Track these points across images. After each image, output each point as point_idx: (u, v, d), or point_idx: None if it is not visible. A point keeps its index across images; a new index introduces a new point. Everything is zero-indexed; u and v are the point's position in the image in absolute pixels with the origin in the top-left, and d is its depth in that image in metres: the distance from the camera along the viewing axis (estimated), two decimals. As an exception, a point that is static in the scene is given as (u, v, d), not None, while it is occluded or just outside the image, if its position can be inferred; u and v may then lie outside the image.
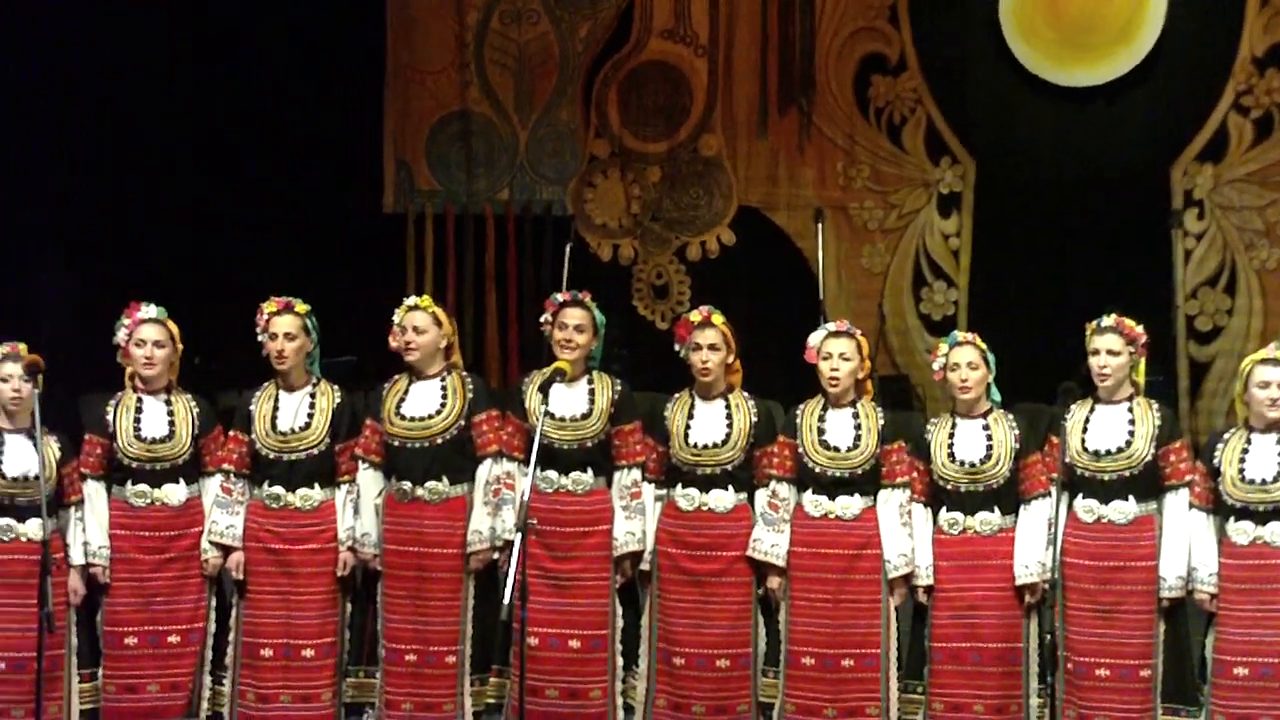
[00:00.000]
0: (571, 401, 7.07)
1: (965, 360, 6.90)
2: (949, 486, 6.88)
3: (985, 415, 6.93)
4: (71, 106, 9.82)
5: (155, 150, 9.89)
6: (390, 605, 7.10)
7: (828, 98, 10.31)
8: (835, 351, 6.97)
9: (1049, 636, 6.57)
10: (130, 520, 7.02)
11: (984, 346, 6.92)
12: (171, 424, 7.06)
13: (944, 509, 6.90)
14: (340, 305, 8.13)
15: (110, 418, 7.05)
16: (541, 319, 7.24)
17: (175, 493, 7.06)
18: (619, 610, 7.12)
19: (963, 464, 6.86)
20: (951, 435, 6.90)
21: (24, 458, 6.86)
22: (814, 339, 7.04)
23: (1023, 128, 10.44)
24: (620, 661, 7.11)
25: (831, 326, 7.07)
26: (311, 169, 9.88)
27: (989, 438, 6.88)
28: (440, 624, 7.05)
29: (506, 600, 6.23)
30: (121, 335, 7.07)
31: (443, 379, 7.15)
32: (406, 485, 7.06)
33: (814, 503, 6.95)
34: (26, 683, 6.71)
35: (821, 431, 6.98)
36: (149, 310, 7.08)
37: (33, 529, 6.82)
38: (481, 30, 10.26)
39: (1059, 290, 10.09)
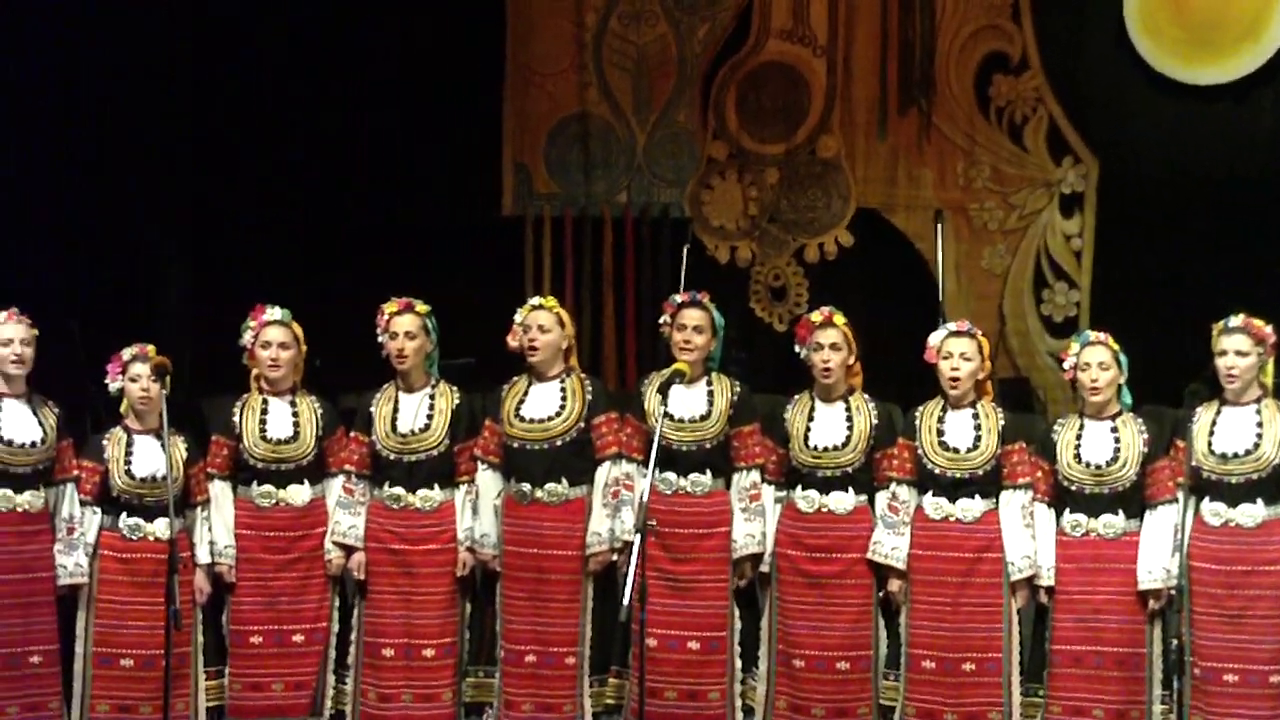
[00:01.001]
0: (690, 403, 7.06)
1: (1096, 360, 6.81)
2: (1073, 488, 6.80)
3: (1114, 417, 6.84)
4: (208, 115, 9.94)
5: (277, 153, 10.00)
6: (509, 606, 7.13)
7: (948, 97, 10.22)
8: (956, 351, 6.92)
9: (1175, 642, 6.48)
10: (255, 520, 7.10)
11: (1116, 347, 6.83)
12: (296, 425, 7.13)
13: (1067, 511, 6.82)
14: (458, 307, 8.15)
15: (236, 419, 7.13)
16: (660, 321, 7.24)
17: (299, 493, 7.13)
18: (738, 612, 7.10)
19: (1089, 465, 6.78)
20: (1079, 436, 6.82)
21: (152, 458, 6.96)
22: (934, 339, 6.99)
23: (1147, 126, 10.29)
24: (739, 664, 7.09)
25: (952, 326, 7.02)
26: (430, 172, 9.93)
27: (1116, 440, 6.79)
28: (560, 625, 7.07)
29: (626, 602, 6.23)
30: (247, 338, 7.15)
31: (562, 381, 7.17)
32: (526, 487, 7.09)
33: (934, 505, 6.90)
34: (154, 680, 6.79)
35: (941, 433, 6.93)
36: (273, 312, 7.15)
37: (160, 528, 6.91)
38: (600, 32, 10.28)
39: (1183, 291, 9.94)
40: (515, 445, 7.11)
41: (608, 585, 7.11)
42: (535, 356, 7.12)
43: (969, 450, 6.88)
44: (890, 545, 6.91)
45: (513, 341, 7.21)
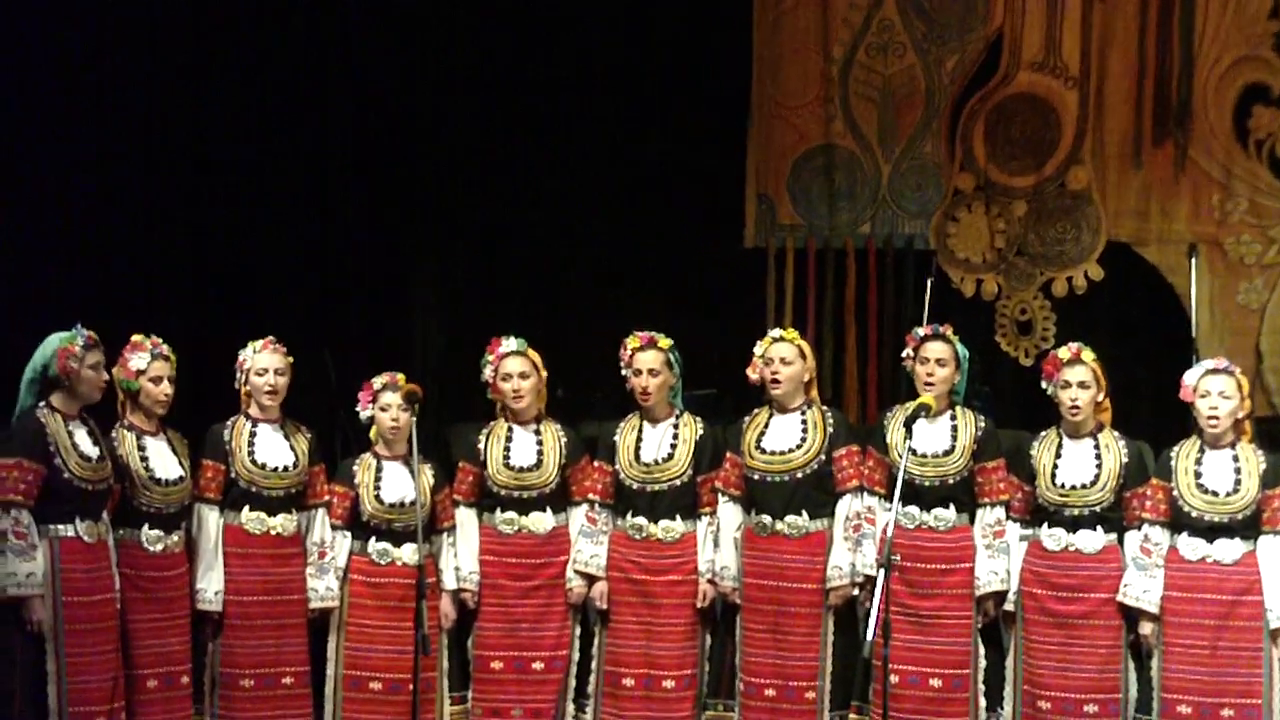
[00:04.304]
0: (934, 437, 6.98)
1: None
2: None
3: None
4: (469, 151, 10.12)
5: (525, 186, 10.13)
6: (749, 639, 7.10)
7: (1204, 128, 9.96)
8: (1214, 389, 6.73)
9: None
10: (499, 547, 7.19)
11: None
12: (540, 453, 7.20)
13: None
14: (701, 339, 8.17)
15: (481, 446, 7.23)
16: (903, 354, 7.17)
17: (542, 521, 7.20)
18: (981, 650, 6.99)
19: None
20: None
21: (401, 484, 7.09)
22: (1191, 376, 6.81)
23: None
24: (983, 702, 6.98)
25: (1210, 363, 6.83)
26: (674, 204, 9.97)
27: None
28: (800, 659, 7.02)
29: (868, 637, 6.17)
30: (488, 372, 7.25)
31: (803, 413, 7.14)
32: (766, 519, 7.07)
33: (1190, 546, 6.71)
34: (402, 703, 6.92)
35: (1199, 475, 6.74)
36: (510, 344, 7.24)
37: (408, 554, 7.03)
38: (847, 64, 10.23)
39: None
40: (756, 477, 7.09)
41: (848, 619, 7.05)
42: (778, 389, 7.10)
43: (1229, 494, 6.69)
44: (1142, 588, 6.75)
45: (754, 374, 7.21)
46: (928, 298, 9.33)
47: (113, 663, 6.58)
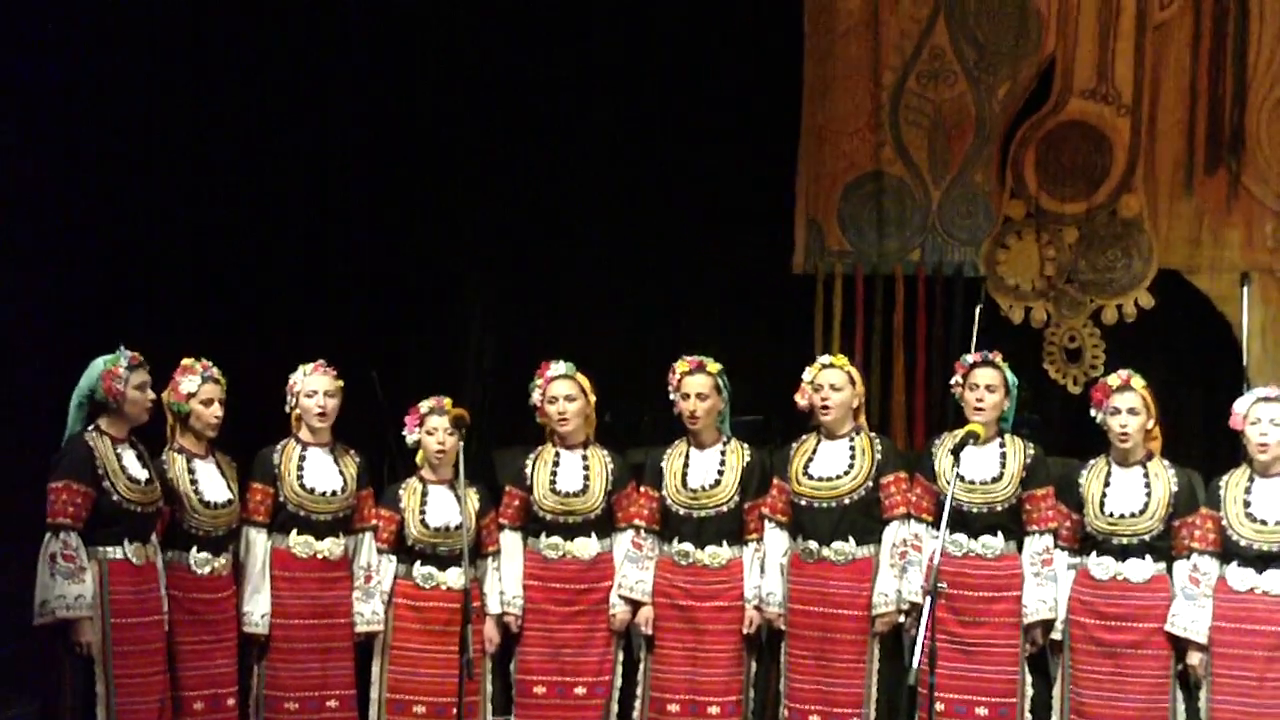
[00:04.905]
0: (982, 464, 6.95)
1: None
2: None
3: None
4: (518, 179, 10.17)
5: (571, 215, 10.17)
6: (794, 665, 7.08)
7: (1258, 156, 9.90)
8: (1265, 417, 6.68)
9: None
10: (543, 572, 7.19)
11: None
12: (586, 478, 7.20)
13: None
14: (749, 364, 8.17)
15: (528, 471, 7.24)
16: (952, 381, 7.15)
17: (587, 546, 7.20)
18: (1029, 679, 6.95)
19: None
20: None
21: (446, 508, 7.10)
22: (1241, 405, 6.76)
23: None
24: (1030, 731, 6.95)
25: (1261, 391, 6.78)
26: (724, 229, 9.99)
27: None
28: (844, 686, 7.00)
29: (914, 664, 6.14)
30: (536, 396, 7.26)
31: (851, 439, 7.12)
32: (813, 545, 7.05)
33: (1240, 577, 6.66)
34: (445, 727, 6.94)
35: (1248, 504, 6.69)
36: (558, 367, 7.25)
37: (453, 578, 7.04)
38: (898, 91, 10.24)
39: None
40: (803, 503, 7.08)
41: (894, 647, 7.02)
42: (828, 416, 7.09)
43: (1278, 523, 6.63)
44: (1190, 618, 6.70)
45: (802, 400, 7.20)
46: (976, 325, 9.30)
47: (161, 685, 6.61)
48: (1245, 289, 9.76)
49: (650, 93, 10.09)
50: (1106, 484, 6.88)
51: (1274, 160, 9.94)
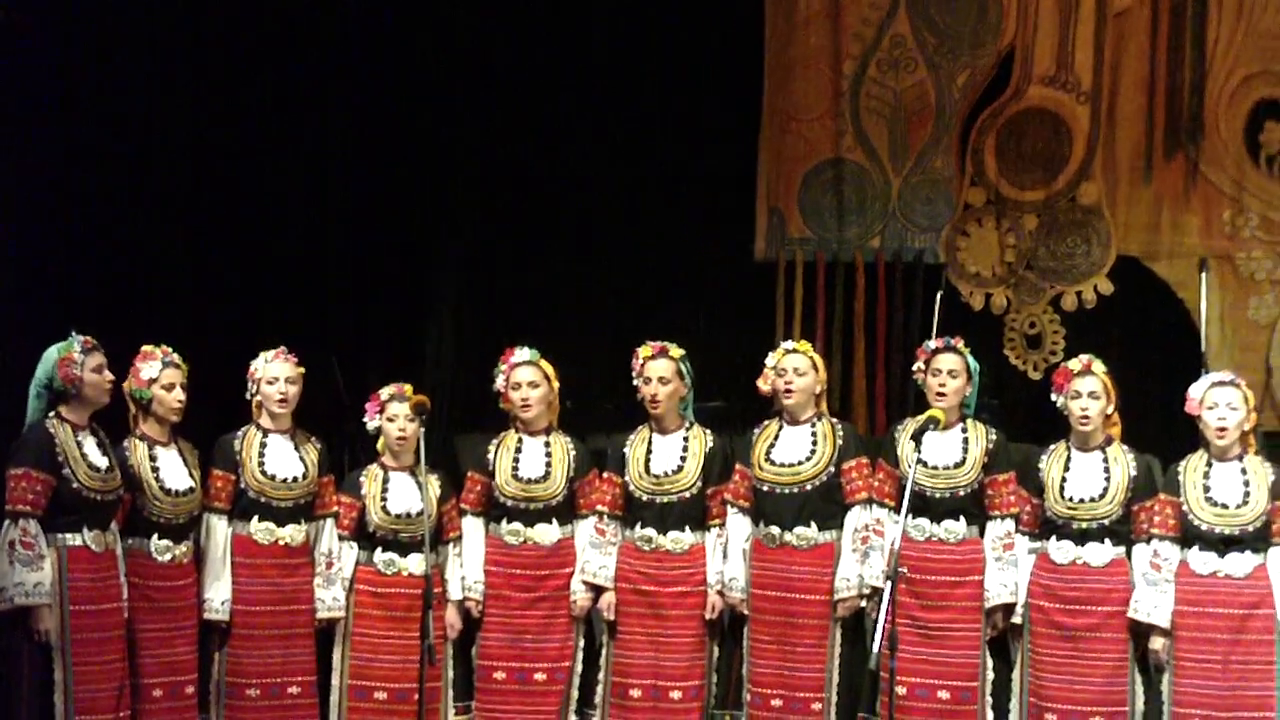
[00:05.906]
0: (945, 449, 6.98)
1: None
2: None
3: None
4: (485, 165, 10.14)
5: (532, 201, 10.14)
6: (756, 650, 7.10)
7: (1216, 143, 9.95)
8: (1222, 401, 6.72)
9: None
10: (504, 558, 7.18)
11: None
12: (548, 465, 7.20)
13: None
14: (710, 351, 8.17)
15: (490, 456, 7.23)
16: (914, 367, 7.17)
17: (548, 533, 7.20)
18: (989, 663, 6.98)
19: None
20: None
21: (407, 495, 7.08)
22: (1197, 389, 6.80)
23: None
24: (990, 715, 6.97)
25: (1216, 376, 6.82)
26: (684, 216, 9.98)
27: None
28: (806, 670, 7.02)
29: (875, 648, 6.16)
30: (500, 381, 7.25)
31: (813, 425, 7.14)
32: (775, 530, 7.06)
33: (1201, 561, 6.70)
34: (407, 713, 6.92)
35: (1207, 488, 6.73)
36: (522, 354, 7.24)
37: (414, 564, 7.03)
38: (858, 78, 10.24)
39: None
40: (765, 489, 7.09)
41: (856, 631, 7.04)
42: (790, 400, 7.11)
43: (1238, 506, 6.67)
44: (1152, 603, 6.73)
45: (764, 385, 7.21)
46: (938, 311, 9.32)
47: (120, 672, 6.58)
48: (1203, 275, 9.79)
49: (611, 81, 10.06)
50: (1066, 469, 6.91)
51: (1232, 148, 9.99)
